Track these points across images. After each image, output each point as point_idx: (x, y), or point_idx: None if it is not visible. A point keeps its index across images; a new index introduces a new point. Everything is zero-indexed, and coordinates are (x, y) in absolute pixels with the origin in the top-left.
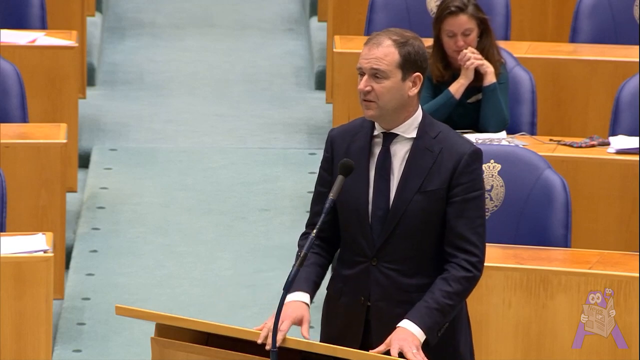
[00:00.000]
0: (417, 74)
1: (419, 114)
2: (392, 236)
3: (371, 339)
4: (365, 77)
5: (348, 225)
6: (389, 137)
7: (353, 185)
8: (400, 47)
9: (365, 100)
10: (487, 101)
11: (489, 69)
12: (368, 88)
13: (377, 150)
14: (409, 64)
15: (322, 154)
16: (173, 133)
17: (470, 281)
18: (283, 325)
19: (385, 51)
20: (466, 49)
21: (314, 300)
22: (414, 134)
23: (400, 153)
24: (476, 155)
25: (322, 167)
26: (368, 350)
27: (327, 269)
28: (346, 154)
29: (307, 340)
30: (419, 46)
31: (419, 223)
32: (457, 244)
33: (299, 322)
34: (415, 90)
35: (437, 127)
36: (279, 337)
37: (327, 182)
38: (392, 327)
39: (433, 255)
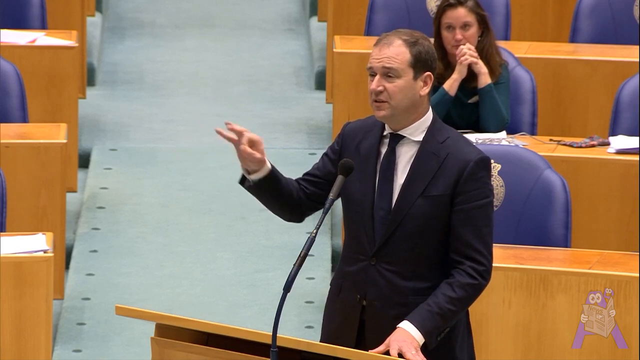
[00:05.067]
0: (428, 73)
1: (428, 117)
2: (393, 237)
3: (365, 338)
4: (377, 77)
5: (352, 221)
6: (396, 139)
7: (360, 182)
8: (411, 46)
9: (376, 101)
10: (484, 103)
11: (482, 69)
12: (380, 88)
13: (384, 150)
14: (420, 63)
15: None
16: (173, 133)
17: (476, 289)
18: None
19: (396, 50)
20: (464, 44)
21: (314, 301)
22: (420, 137)
23: (406, 155)
24: (483, 163)
25: (326, 153)
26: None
27: (292, 195)
28: (356, 150)
29: (307, 341)
30: (429, 46)
31: (420, 226)
32: (464, 252)
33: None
34: (426, 90)
35: (446, 132)
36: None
37: (325, 169)
38: (385, 328)
39: (432, 260)
